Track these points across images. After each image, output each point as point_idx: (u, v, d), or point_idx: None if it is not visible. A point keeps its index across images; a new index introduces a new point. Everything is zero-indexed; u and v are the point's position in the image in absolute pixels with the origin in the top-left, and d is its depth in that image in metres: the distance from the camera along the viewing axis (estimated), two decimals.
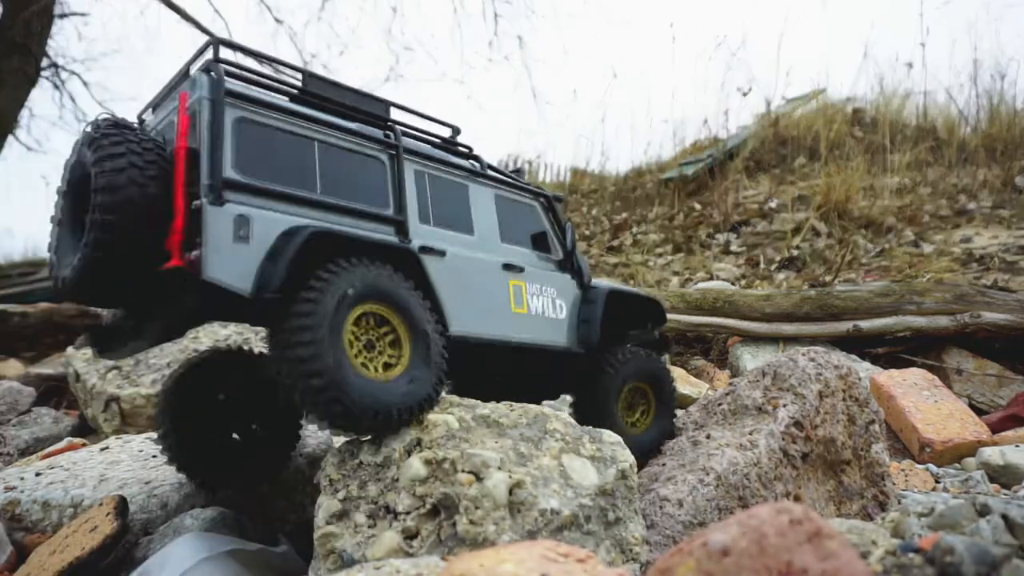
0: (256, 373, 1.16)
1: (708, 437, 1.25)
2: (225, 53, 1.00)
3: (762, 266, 3.81)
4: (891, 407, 1.91)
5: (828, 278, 3.29)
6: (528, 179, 7.22)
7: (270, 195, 0.93)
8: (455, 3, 6.99)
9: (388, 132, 1.12)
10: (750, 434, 1.21)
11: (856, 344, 2.63)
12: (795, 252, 3.87)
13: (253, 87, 1.00)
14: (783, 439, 1.20)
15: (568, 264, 1.33)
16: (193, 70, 0.98)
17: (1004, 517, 0.95)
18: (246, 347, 1.20)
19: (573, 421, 1.02)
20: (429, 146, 1.20)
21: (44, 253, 7.85)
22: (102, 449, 1.37)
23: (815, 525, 0.53)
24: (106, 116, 0.90)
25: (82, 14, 6.28)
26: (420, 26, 9.77)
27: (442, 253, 1.09)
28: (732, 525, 0.55)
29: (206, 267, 0.83)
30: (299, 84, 1.07)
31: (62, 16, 6.13)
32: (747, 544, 0.53)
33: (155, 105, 1.05)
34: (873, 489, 1.28)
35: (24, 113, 6.15)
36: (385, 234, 1.04)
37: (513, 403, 1.02)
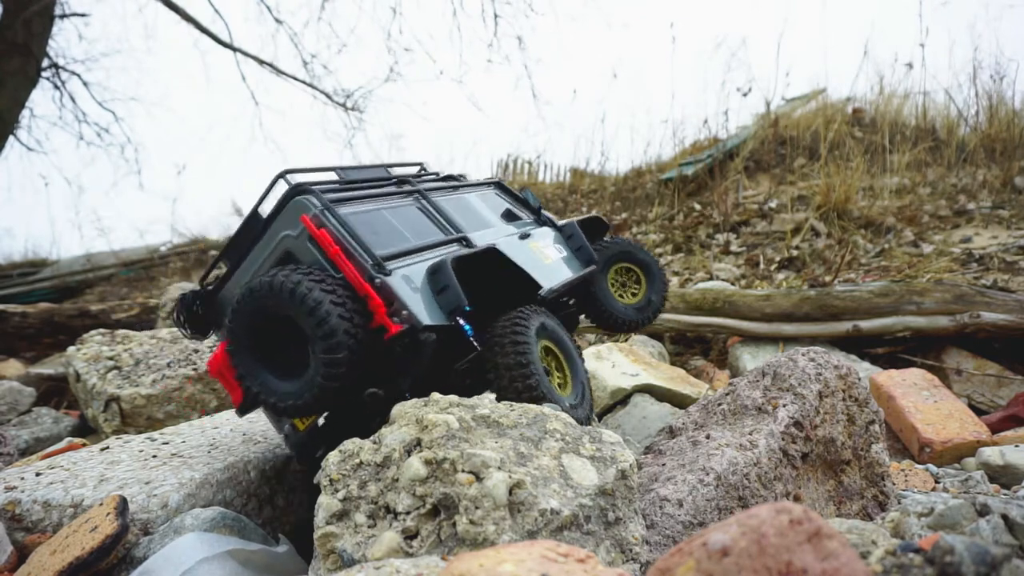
0: None
1: (708, 437, 1.25)
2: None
3: (762, 266, 3.81)
4: (891, 407, 1.91)
5: (828, 278, 3.29)
6: (528, 180, 7.22)
7: (397, 256, 1.14)
8: (455, 4, 6.99)
9: (402, 185, 1.38)
10: (750, 434, 1.21)
11: (856, 344, 2.63)
12: (795, 252, 3.87)
13: (326, 189, 1.22)
14: (783, 439, 1.20)
15: (541, 220, 1.64)
16: (267, 202, 1.20)
17: (1004, 517, 0.96)
18: None
19: (573, 421, 1.02)
20: (425, 182, 1.48)
21: (44, 254, 7.85)
22: (102, 449, 1.37)
23: (815, 525, 0.53)
24: (272, 272, 1.05)
25: (82, 15, 6.29)
26: (420, 26, 9.77)
27: (495, 245, 1.30)
28: (732, 525, 0.55)
29: (420, 318, 1.03)
30: (337, 178, 1.30)
31: (62, 17, 6.13)
32: (747, 544, 0.53)
33: (235, 252, 1.22)
34: (873, 489, 1.29)
35: (24, 113, 6.15)
36: (460, 249, 1.28)
37: (513, 403, 1.03)
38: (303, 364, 1.04)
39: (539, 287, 1.27)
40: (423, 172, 1.59)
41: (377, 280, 1.05)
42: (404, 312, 1.03)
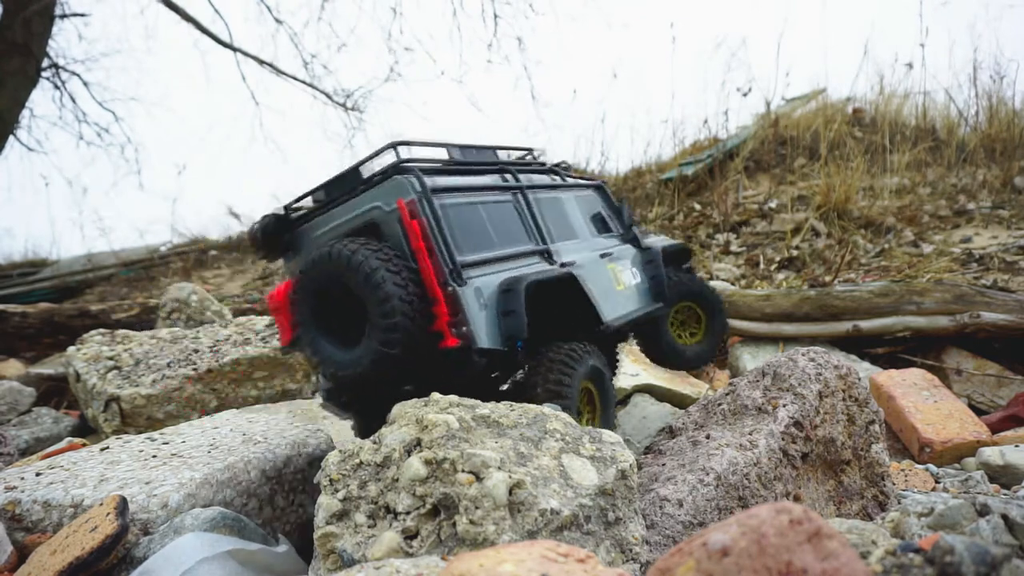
0: None
1: (708, 437, 1.25)
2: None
3: (762, 266, 3.81)
4: (891, 407, 1.91)
5: (828, 278, 3.29)
6: None
7: (478, 264, 1.15)
8: (455, 4, 6.99)
9: (506, 175, 1.36)
10: (750, 434, 1.21)
11: (856, 344, 2.63)
12: (795, 252, 3.87)
13: (430, 169, 1.22)
14: (783, 439, 1.20)
15: (629, 236, 1.58)
16: (373, 167, 1.20)
17: (1004, 517, 0.96)
18: None
19: (573, 421, 1.02)
20: (529, 174, 1.43)
21: (44, 254, 7.84)
22: (102, 449, 1.37)
23: (815, 525, 0.53)
24: (355, 245, 1.08)
25: (83, 15, 6.28)
26: (420, 26, 9.75)
27: (573, 263, 1.32)
28: (732, 525, 0.55)
29: (478, 339, 1.06)
30: (444, 158, 1.30)
31: (62, 17, 6.13)
32: (747, 544, 0.53)
33: (325, 196, 1.25)
34: (873, 489, 1.29)
35: (24, 113, 6.15)
36: (539, 263, 1.29)
37: (513, 403, 1.03)
38: (356, 338, 1.09)
39: (601, 321, 1.28)
40: (536, 160, 1.55)
41: (450, 288, 1.08)
42: (464, 328, 1.06)
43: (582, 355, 1.18)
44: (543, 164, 1.55)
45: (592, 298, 1.28)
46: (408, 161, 1.17)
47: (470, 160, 1.33)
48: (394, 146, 1.19)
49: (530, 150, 1.56)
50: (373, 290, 1.05)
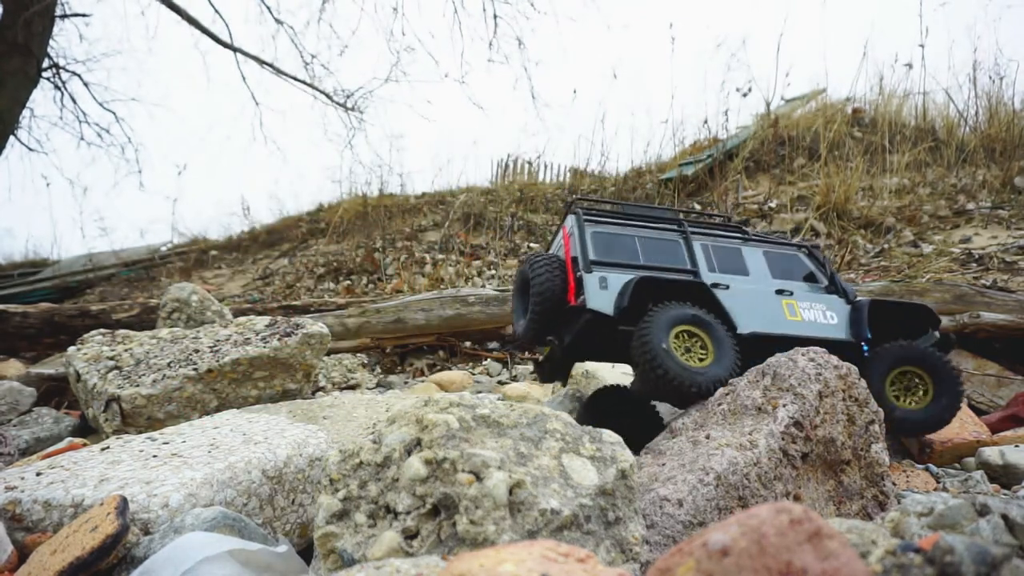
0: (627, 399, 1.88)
1: (708, 437, 1.25)
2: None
3: None
4: None
5: None
6: (528, 179, 7.18)
7: (615, 266, 1.66)
8: (455, 4, 6.99)
9: (680, 224, 1.82)
10: (750, 434, 1.21)
11: None
12: None
13: (597, 212, 1.81)
14: (783, 439, 1.20)
15: (833, 288, 1.82)
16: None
17: (1004, 517, 0.96)
18: (623, 385, 1.96)
19: (573, 421, 1.02)
20: (709, 227, 1.88)
21: (44, 254, 7.85)
22: (103, 449, 1.37)
23: (815, 525, 0.53)
24: (535, 256, 1.75)
25: (83, 15, 6.29)
26: (420, 26, 9.75)
27: (726, 286, 1.70)
28: (732, 525, 0.55)
29: (589, 302, 1.58)
30: (618, 209, 1.93)
31: (63, 17, 6.13)
32: (747, 544, 0.53)
33: (567, 213, 1.84)
34: (873, 489, 1.29)
35: (25, 113, 6.15)
36: (682, 277, 1.67)
37: (513, 403, 1.03)
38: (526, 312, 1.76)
39: (734, 329, 1.62)
40: (728, 223, 1.95)
41: (578, 274, 1.64)
42: (582, 297, 1.60)
43: (657, 314, 1.50)
44: (739, 226, 1.93)
45: (725, 308, 1.64)
46: (577, 208, 1.78)
47: (637, 212, 1.85)
48: (576, 199, 1.93)
49: (728, 217, 2.14)
50: (535, 286, 1.66)
